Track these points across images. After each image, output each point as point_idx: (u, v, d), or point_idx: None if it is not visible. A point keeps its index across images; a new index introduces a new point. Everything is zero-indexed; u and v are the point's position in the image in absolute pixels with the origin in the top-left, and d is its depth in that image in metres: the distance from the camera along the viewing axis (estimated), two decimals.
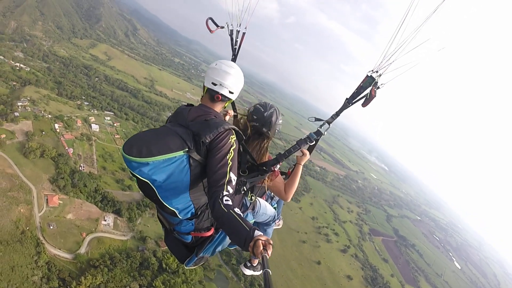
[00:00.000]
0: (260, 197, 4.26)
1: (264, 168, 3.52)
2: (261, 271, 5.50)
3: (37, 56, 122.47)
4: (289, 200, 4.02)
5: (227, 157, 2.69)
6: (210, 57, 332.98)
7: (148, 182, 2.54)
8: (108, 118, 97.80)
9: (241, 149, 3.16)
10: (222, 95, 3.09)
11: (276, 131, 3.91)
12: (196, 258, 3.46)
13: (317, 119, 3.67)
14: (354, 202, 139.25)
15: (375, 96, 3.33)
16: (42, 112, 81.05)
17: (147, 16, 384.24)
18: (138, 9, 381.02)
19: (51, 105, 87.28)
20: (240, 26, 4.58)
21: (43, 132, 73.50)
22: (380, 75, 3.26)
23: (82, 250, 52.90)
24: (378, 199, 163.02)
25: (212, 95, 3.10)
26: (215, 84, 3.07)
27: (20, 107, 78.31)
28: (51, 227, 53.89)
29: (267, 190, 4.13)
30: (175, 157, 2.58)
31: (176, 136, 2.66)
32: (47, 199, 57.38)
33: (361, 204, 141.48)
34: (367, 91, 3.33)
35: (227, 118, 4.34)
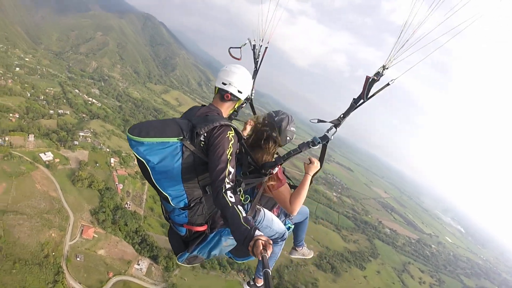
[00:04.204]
0: (270, 209, 4.01)
1: (262, 170, 3.45)
2: None
3: (112, 95, 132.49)
4: (295, 213, 3.62)
5: (227, 152, 2.77)
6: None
7: (144, 161, 2.75)
8: None
9: (243, 150, 3.31)
10: (231, 94, 3.27)
11: (288, 138, 3.81)
12: (188, 255, 3.46)
13: (320, 121, 3.54)
14: (426, 270, 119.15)
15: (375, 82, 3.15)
16: (101, 145, 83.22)
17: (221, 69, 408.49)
18: (212, 63, 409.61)
19: (112, 140, 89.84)
20: (262, 41, 4.67)
21: (97, 164, 74.06)
22: (386, 68, 3.12)
23: None
24: (453, 267, 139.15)
25: (222, 94, 3.30)
26: (224, 84, 3.29)
27: (81, 137, 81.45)
28: (78, 259, 50.98)
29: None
30: (169, 142, 2.74)
31: (176, 125, 2.85)
32: (82, 230, 55.40)
33: (434, 273, 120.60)
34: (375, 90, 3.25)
35: (248, 127, 4.40)
